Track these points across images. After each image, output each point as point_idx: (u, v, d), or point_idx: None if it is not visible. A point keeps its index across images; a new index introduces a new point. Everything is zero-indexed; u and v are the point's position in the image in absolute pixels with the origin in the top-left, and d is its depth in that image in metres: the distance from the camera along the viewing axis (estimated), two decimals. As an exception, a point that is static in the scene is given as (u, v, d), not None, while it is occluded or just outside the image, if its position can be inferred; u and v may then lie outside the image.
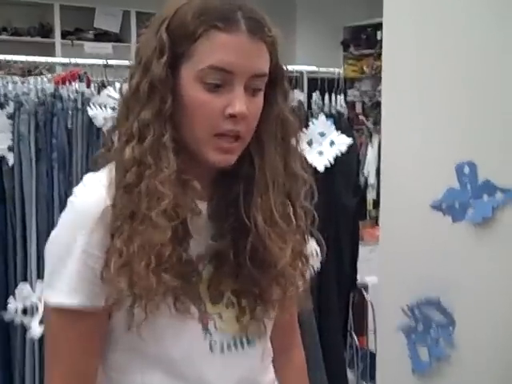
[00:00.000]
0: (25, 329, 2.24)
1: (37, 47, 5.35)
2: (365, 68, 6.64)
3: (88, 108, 2.33)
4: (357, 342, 2.99)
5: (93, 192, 0.99)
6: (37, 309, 2.20)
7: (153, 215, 0.94)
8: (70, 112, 2.33)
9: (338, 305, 2.74)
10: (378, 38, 6.07)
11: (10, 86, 2.35)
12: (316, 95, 2.70)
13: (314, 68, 2.81)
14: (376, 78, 6.06)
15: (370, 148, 4.68)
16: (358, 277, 2.88)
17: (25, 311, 2.21)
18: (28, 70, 2.69)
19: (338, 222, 2.66)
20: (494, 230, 1.72)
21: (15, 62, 2.59)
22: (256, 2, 1.00)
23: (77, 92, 2.38)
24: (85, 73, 2.49)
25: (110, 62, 2.48)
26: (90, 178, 1.02)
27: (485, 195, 1.72)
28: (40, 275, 2.21)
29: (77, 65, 2.50)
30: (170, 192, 0.95)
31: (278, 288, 1.06)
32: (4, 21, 5.70)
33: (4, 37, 5.63)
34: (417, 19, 1.87)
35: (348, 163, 2.68)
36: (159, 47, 0.96)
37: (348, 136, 2.64)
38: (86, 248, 0.96)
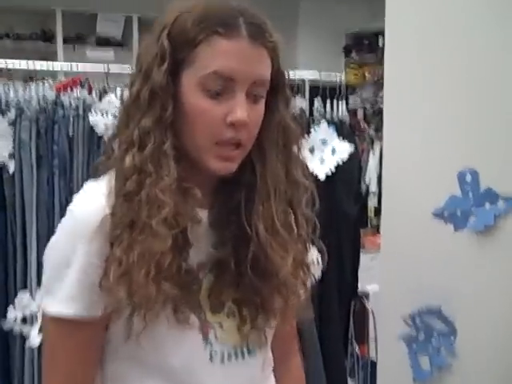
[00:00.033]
0: (24, 338, 2.23)
1: (39, 53, 5.35)
2: (366, 74, 6.62)
3: (89, 114, 2.33)
4: (357, 351, 2.96)
5: (92, 201, 0.98)
6: (36, 318, 2.19)
7: (153, 223, 0.93)
8: (71, 119, 2.33)
9: (338, 313, 2.73)
10: (380, 44, 6.06)
11: (12, 93, 2.35)
12: (318, 102, 2.70)
13: (315, 73, 2.80)
14: (378, 84, 6.05)
15: (371, 155, 4.66)
16: (359, 285, 2.86)
17: (24, 320, 2.20)
18: (30, 77, 2.69)
19: (339, 230, 2.65)
20: (496, 239, 1.71)
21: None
22: (258, 8, 1.00)
23: (78, 99, 2.38)
24: (86, 79, 2.49)
25: (112, 68, 2.48)
26: (90, 187, 1.02)
27: (487, 203, 1.71)
28: (40, 283, 2.20)
29: (77, 72, 2.50)
30: (171, 200, 0.94)
31: (280, 297, 1.05)
32: (6, 27, 5.70)
33: (6, 43, 5.63)
34: (419, 25, 1.86)
35: (349, 171, 2.67)
36: (160, 54, 0.96)
37: (350, 143, 2.64)
38: (86, 257, 0.95)
